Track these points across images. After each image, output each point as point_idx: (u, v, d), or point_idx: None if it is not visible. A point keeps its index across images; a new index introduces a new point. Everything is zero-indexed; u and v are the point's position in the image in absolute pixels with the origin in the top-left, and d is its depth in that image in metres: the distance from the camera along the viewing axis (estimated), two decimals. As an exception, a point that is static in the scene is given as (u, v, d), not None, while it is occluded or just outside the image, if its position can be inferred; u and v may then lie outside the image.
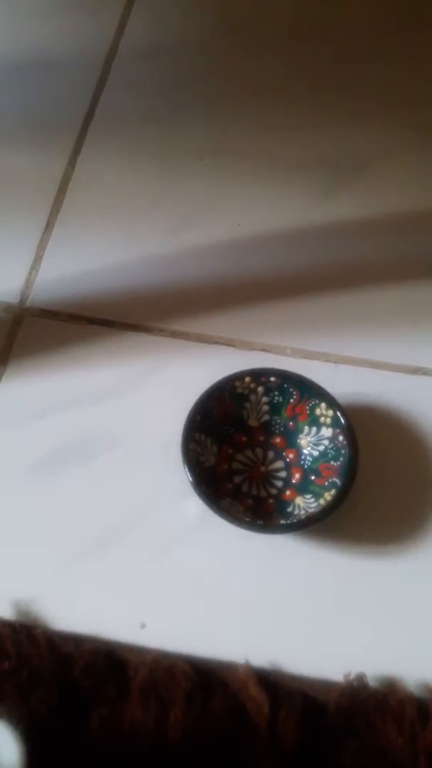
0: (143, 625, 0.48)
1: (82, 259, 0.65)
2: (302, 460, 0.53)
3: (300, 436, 0.54)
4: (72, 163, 0.70)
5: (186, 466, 0.49)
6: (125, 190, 0.69)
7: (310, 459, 0.53)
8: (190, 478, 0.49)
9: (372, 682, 0.46)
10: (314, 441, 0.53)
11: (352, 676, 0.46)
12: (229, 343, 0.60)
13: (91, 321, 0.61)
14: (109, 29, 0.79)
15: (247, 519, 0.49)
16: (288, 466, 0.53)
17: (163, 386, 0.58)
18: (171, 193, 0.69)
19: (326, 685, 0.46)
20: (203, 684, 0.45)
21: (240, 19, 0.80)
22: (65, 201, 0.68)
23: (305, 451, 0.53)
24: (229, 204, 0.68)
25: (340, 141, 0.71)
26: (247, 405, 0.54)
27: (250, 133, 0.72)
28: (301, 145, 0.71)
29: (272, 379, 0.53)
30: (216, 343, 0.60)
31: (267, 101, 0.74)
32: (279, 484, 0.53)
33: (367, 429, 0.55)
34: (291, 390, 0.53)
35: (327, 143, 0.71)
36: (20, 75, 0.76)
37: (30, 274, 0.63)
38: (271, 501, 0.52)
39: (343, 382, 0.57)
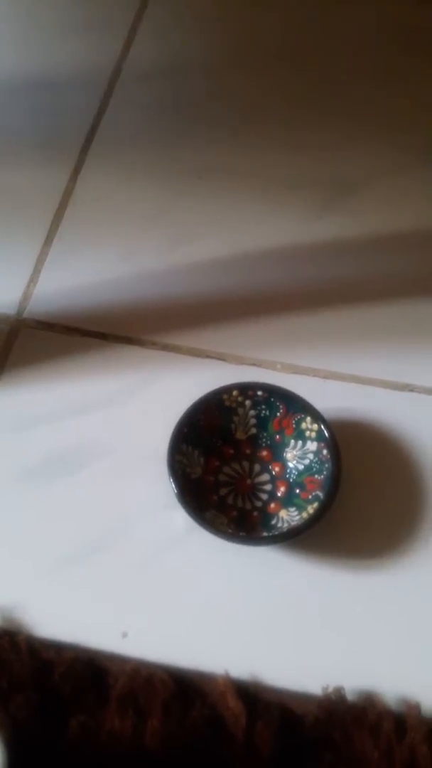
0: (125, 634, 0.49)
1: (80, 272, 0.66)
2: (288, 473, 0.54)
3: (286, 449, 0.54)
4: (73, 179, 0.72)
5: (171, 477, 0.50)
6: (125, 206, 0.70)
7: (296, 472, 0.53)
8: (174, 489, 0.49)
9: (350, 696, 0.46)
10: (300, 455, 0.54)
11: (330, 689, 0.46)
12: (220, 357, 0.61)
13: (86, 333, 0.62)
14: (114, 50, 0.82)
15: (230, 531, 0.49)
16: (273, 479, 0.54)
17: (153, 398, 0.59)
18: (169, 210, 0.70)
19: (305, 698, 0.46)
20: (182, 694, 0.45)
21: (240, 42, 0.82)
22: (65, 216, 0.69)
23: (291, 465, 0.54)
24: (225, 221, 0.69)
25: (335, 161, 0.73)
26: (235, 418, 0.55)
27: (247, 152, 0.74)
28: (297, 165, 0.73)
29: (259, 393, 0.54)
30: (207, 356, 0.61)
31: (264, 122, 0.76)
32: (264, 496, 0.53)
33: (353, 444, 0.55)
34: (277, 404, 0.54)
35: (322, 163, 0.72)
36: (26, 92, 0.79)
37: (28, 286, 0.65)
38: (255, 513, 0.52)
39: (331, 397, 0.58)
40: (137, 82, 0.79)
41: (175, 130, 0.76)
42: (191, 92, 0.78)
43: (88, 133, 0.75)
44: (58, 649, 0.47)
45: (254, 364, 0.61)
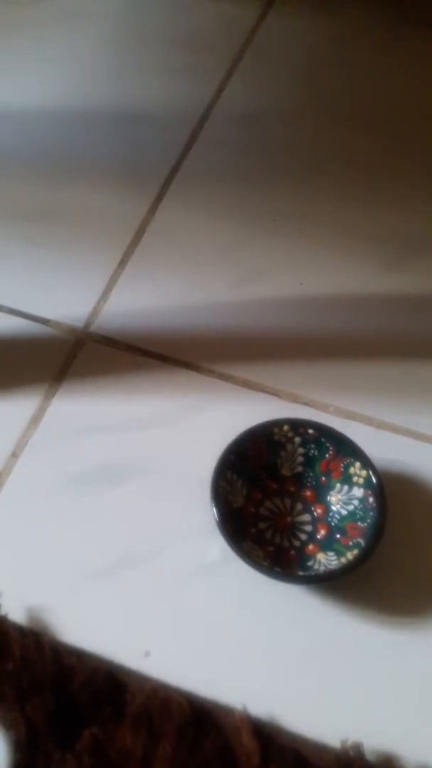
0: (148, 653, 0.48)
1: (148, 296, 0.68)
2: (330, 516, 0.53)
3: (331, 492, 0.54)
4: (153, 209, 0.75)
5: (213, 503, 0.50)
6: (198, 240, 0.73)
7: (338, 517, 0.53)
8: (215, 514, 0.50)
9: (369, 755, 0.44)
10: (345, 499, 0.53)
11: (348, 744, 0.44)
12: (274, 393, 0.62)
13: (146, 353, 0.64)
14: (207, 92, 0.86)
15: (265, 564, 0.49)
16: (315, 521, 0.54)
17: (204, 424, 0.60)
18: (241, 248, 0.72)
19: (321, 749, 0.45)
20: (197, 722, 0.45)
21: (329, 96, 0.85)
22: (141, 242, 0.72)
23: (334, 509, 0.53)
24: (294, 264, 0.71)
25: (408, 218, 0.74)
26: (283, 453, 0.55)
27: (324, 201, 0.76)
28: (372, 218, 0.74)
29: (310, 431, 0.54)
30: (262, 390, 0.62)
31: (345, 173, 0.78)
32: (303, 537, 0.53)
33: (400, 496, 0.55)
34: (327, 445, 0.54)
35: (394, 221, 0.74)
36: (120, 124, 0.83)
37: (98, 303, 0.67)
38: (292, 552, 0.52)
39: (382, 448, 0.58)
40: (225, 125, 0.83)
41: (256, 174, 0.78)
42: (277, 139, 0.81)
43: (172, 167, 0.79)
44: (80, 656, 0.47)
45: (307, 404, 0.61)
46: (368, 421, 0.60)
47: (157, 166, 0.79)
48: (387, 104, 0.85)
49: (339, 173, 0.78)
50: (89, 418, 0.60)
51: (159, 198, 0.76)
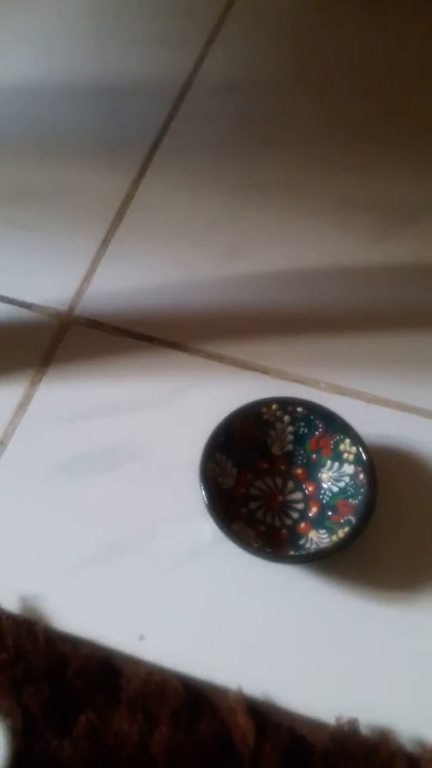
0: (142, 637, 0.49)
1: (133, 275, 0.67)
2: (321, 494, 0.53)
3: (322, 470, 0.53)
4: (136, 184, 0.73)
5: (202, 485, 0.50)
6: (183, 215, 0.71)
7: (330, 494, 0.52)
8: (204, 497, 0.49)
9: (364, 730, 0.45)
10: (335, 476, 0.53)
11: (343, 720, 0.45)
12: (263, 370, 0.61)
13: (133, 335, 0.63)
14: (187, 63, 0.83)
15: (256, 545, 0.48)
16: (306, 499, 0.53)
17: (193, 405, 0.59)
18: (226, 222, 0.71)
19: (316, 725, 0.45)
20: (192, 704, 0.45)
21: (312, 62, 0.83)
22: (124, 219, 0.71)
23: (325, 486, 0.53)
24: (281, 237, 0.69)
25: (399, 186, 0.72)
26: (272, 432, 0.54)
27: (309, 170, 0.74)
28: (360, 187, 0.72)
29: (299, 409, 0.53)
30: (251, 368, 0.61)
31: (329, 142, 0.76)
32: (295, 515, 0.52)
33: (391, 471, 0.54)
34: (317, 422, 0.53)
35: (383, 189, 0.72)
36: (99, 98, 0.81)
37: (82, 285, 0.66)
38: (284, 531, 0.52)
39: (373, 422, 0.57)
40: (206, 95, 0.80)
41: (239, 144, 0.76)
42: (257, 110, 0.79)
43: (154, 141, 0.76)
44: (74, 643, 0.47)
45: (297, 381, 0.60)
46: (359, 395, 0.59)
47: (138, 141, 0.77)
48: (375, 69, 0.82)
49: (325, 142, 0.76)
50: (77, 403, 0.59)
51: (141, 174, 0.74)
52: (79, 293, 0.66)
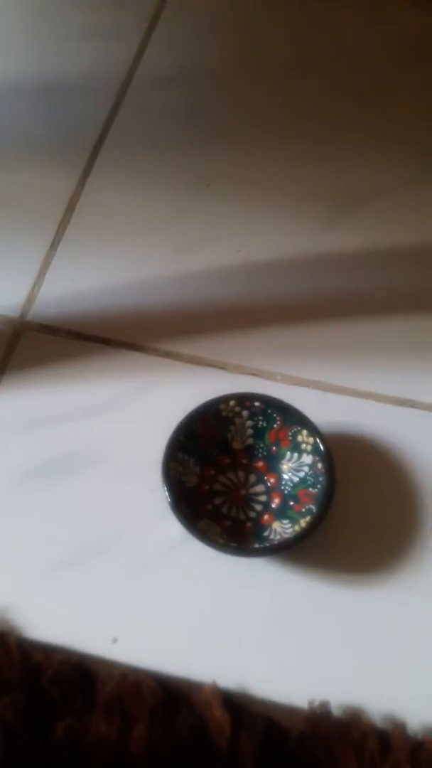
0: (115, 640, 0.49)
1: (84, 277, 0.67)
2: (283, 485, 0.54)
3: (282, 461, 0.54)
4: (81, 184, 0.72)
5: (165, 485, 0.50)
6: (131, 212, 0.71)
7: (291, 485, 0.54)
8: (168, 496, 0.50)
9: (336, 711, 0.46)
10: (295, 467, 0.54)
11: (316, 703, 0.46)
12: (221, 366, 0.62)
13: (88, 338, 0.63)
14: (127, 56, 0.82)
15: (221, 541, 0.49)
16: (269, 491, 0.54)
17: (152, 405, 0.59)
18: (175, 218, 0.71)
19: (291, 711, 0.46)
20: (168, 701, 0.46)
21: (253, 53, 0.83)
22: (72, 220, 0.70)
23: (286, 477, 0.54)
24: (231, 230, 0.70)
25: (344, 174, 0.73)
26: (232, 428, 0.55)
27: (256, 162, 0.74)
28: (305, 177, 0.73)
29: (257, 403, 0.54)
30: (208, 365, 0.62)
31: (274, 132, 0.76)
32: (258, 507, 0.53)
33: (350, 458, 0.55)
34: (275, 415, 0.54)
35: (331, 176, 0.72)
36: (36, 96, 0.79)
37: (32, 289, 0.65)
38: (249, 524, 0.53)
39: (331, 410, 0.58)
40: (149, 89, 0.80)
41: (185, 138, 0.76)
42: (202, 101, 0.79)
43: (97, 138, 0.76)
44: (47, 651, 0.47)
45: (254, 374, 0.61)
46: (315, 384, 0.60)
47: (81, 139, 0.76)
48: (320, 53, 0.82)
49: (272, 131, 0.76)
50: (34, 411, 0.59)
51: (86, 172, 0.73)
52: (31, 298, 0.65)
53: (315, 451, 0.52)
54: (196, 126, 0.77)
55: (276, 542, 0.49)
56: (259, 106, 0.79)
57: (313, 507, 0.50)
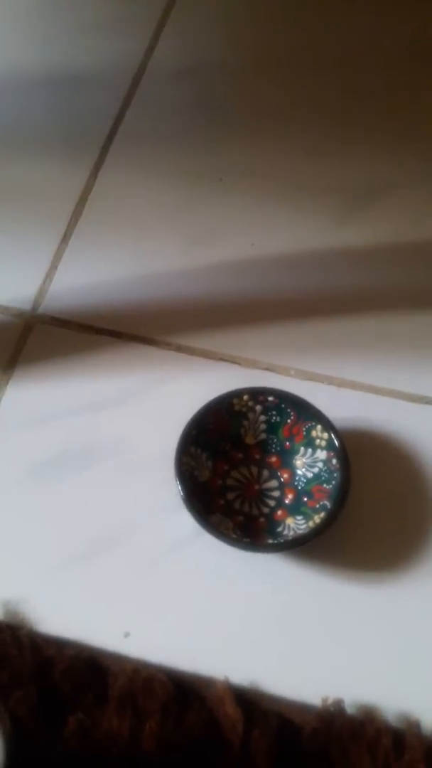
0: (127, 634, 0.49)
1: (96, 270, 0.66)
2: (296, 480, 0.53)
3: (296, 456, 0.54)
4: (93, 177, 0.72)
5: (178, 480, 0.50)
6: (144, 205, 0.70)
7: (304, 480, 0.53)
8: (180, 491, 0.49)
9: (350, 709, 0.46)
10: (309, 462, 0.53)
11: (329, 701, 0.46)
12: (233, 361, 0.61)
13: (100, 331, 0.62)
14: (139, 50, 0.82)
15: (234, 536, 0.49)
16: (282, 486, 0.54)
17: (165, 399, 0.59)
18: (188, 211, 0.70)
19: (304, 708, 0.46)
20: (180, 697, 0.45)
21: (266, 47, 0.82)
22: (84, 213, 0.69)
23: (300, 472, 0.53)
24: (244, 224, 0.69)
25: (358, 169, 0.72)
26: (245, 423, 0.55)
27: (269, 156, 0.74)
28: (319, 171, 0.72)
29: (270, 398, 0.54)
30: (221, 359, 0.61)
31: (287, 127, 0.75)
32: (271, 503, 0.53)
33: (364, 454, 0.55)
34: (288, 410, 0.54)
35: (344, 170, 0.72)
36: (49, 90, 0.79)
37: (44, 282, 0.65)
38: (262, 519, 0.52)
39: (345, 406, 0.58)
40: (161, 82, 0.79)
41: (197, 131, 0.75)
42: (214, 94, 0.78)
43: (109, 131, 0.75)
44: (59, 645, 0.47)
45: (268, 369, 0.61)
46: (329, 380, 0.60)
47: (93, 132, 0.75)
48: (333, 46, 0.82)
49: (285, 125, 0.76)
50: (46, 404, 0.59)
51: (98, 165, 0.73)
52: (42, 291, 0.65)
53: (330, 446, 0.52)
54: (208, 119, 0.77)
55: (290, 538, 0.49)
56: (271, 99, 0.78)
57: (327, 503, 0.50)
